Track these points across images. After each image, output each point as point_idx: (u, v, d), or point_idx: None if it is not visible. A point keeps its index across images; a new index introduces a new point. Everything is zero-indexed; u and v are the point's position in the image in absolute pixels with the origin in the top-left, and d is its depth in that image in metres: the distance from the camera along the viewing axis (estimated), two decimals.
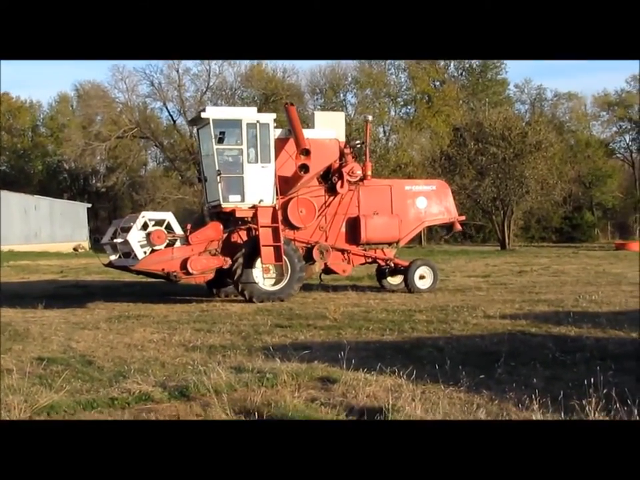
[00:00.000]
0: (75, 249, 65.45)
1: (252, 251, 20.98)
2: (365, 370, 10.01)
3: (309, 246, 22.49)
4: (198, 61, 73.11)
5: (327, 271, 23.32)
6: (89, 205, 76.39)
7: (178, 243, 20.69)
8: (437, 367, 10.06)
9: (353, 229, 23.05)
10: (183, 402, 9.01)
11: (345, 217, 23.03)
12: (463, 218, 27.03)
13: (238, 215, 21.62)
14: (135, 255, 20.10)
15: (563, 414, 7.79)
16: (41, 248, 61.28)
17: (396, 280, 24.36)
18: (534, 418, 7.54)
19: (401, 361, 11.04)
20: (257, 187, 21.46)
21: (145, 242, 20.20)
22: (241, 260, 20.85)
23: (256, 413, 8.14)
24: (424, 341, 13.39)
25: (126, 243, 20.33)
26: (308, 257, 22.31)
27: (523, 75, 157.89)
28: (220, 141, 21.67)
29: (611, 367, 9.98)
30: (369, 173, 23.28)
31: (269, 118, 22.04)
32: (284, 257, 20.92)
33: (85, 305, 20.78)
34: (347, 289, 23.36)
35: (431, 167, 63.04)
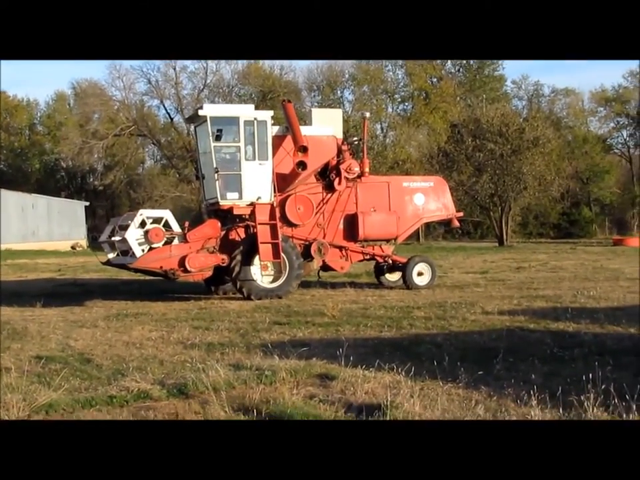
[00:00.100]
0: (72, 247, 65.43)
1: (250, 249, 20.98)
2: (364, 367, 10.03)
3: (307, 243, 22.49)
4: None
5: (325, 268, 23.32)
6: (87, 203, 76.34)
7: (176, 241, 20.67)
8: (436, 364, 10.05)
9: (351, 225, 23.04)
10: (182, 400, 9.01)
11: (342, 214, 23.02)
12: (461, 214, 27.05)
13: (236, 212, 21.62)
14: (133, 253, 20.09)
15: (561, 410, 7.80)
16: (38, 246, 61.29)
17: (394, 277, 24.37)
18: (532, 413, 7.55)
19: (399, 357, 11.05)
20: (255, 185, 21.45)
21: (143, 240, 20.18)
22: (239, 257, 20.86)
23: (254, 410, 8.14)
24: (422, 337, 13.39)
25: (124, 240, 20.33)
26: (306, 254, 22.31)
27: (520, 71, 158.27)
28: (217, 138, 21.67)
29: (609, 363, 9.98)
30: (367, 169, 23.30)
31: (266, 115, 22.04)
32: (282, 254, 20.91)
33: (83, 303, 20.78)
34: (345, 285, 23.36)
35: (428, 164, 63.02)
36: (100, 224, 74.03)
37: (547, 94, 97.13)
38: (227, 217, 21.95)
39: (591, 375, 8.45)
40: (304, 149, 21.83)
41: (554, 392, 8.30)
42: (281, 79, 78.54)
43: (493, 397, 8.62)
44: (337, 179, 22.59)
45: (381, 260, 24.02)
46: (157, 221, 20.72)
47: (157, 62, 75.45)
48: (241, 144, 21.49)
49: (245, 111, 22.13)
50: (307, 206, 22.58)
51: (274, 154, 21.84)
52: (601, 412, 7.60)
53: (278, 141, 22.15)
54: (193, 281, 22.37)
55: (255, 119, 21.60)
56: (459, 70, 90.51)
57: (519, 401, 8.27)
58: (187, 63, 75.08)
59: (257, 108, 23.50)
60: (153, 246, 20.20)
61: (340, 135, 23.44)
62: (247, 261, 20.94)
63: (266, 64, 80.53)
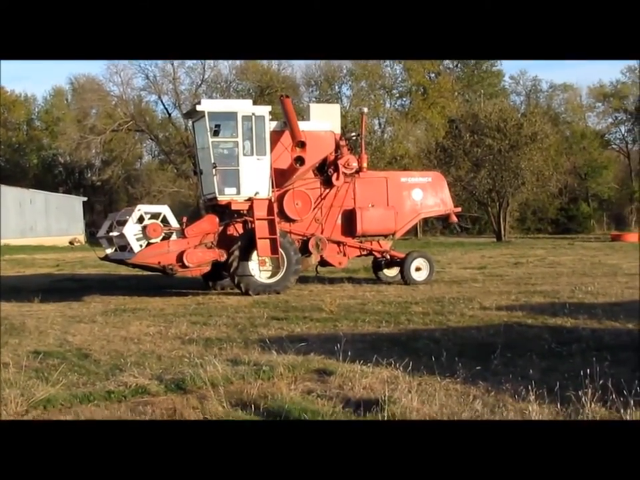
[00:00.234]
0: (70, 243, 65.34)
1: (248, 244, 20.97)
2: (361, 362, 10.03)
3: (305, 238, 22.47)
4: None
5: (323, 263, 23.31)
6: (85, 199, 76.23)
7: (174, 236, 20.68)
8: (433, 359, 10.07)
9: (349, 221, 23.03)
10: (180, 395, 9.01)
11: (340, 209, 23.01)
12: (459, 210, 27.05)
13: (234, 207, 21.61)
14: (131, 248, 20.09)
15: (559, 405, 7.81)
16: (36, 242, 61.23)
17: (392, 272, 24.38)
18: (530, 409, 7.55)
19: (397, 352, 11.05)
20: (253, 180, 21.43)
21: (141, 235, 20.18)
22: (236, 253, 20.85)
23: (252, 406, 8.15)
24: (420, 332, 13.40)
25: (122, 236, 20.33)
26: (304, 250, 22.30)
27: (518, 66, 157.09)
28: (215, 133, 21.68)
29: (607, 358, 9.99)
30: (365, 165, 23.27)
31: (264, 110, 22.03)
32: (280, 249, 20.90)
33: (81, 298, 20.77)
34: (343, 281, 23.38)
35: (426, 159, 63.04)
36: (98, 219, 73.99)
37: (545, 89, 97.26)
38: (224, 212, 21.94)
39: (588, 370, 8.44)
40: (302, 144, 21.81)
41: (552, 387, 8.29)
42: (278, 74, 78.46)
43: (491, 392, 8.61)
44: (335, 175, 22.57)
45: (378, 255, 24.02)
46: (154, 216, 20.73)
47: None
48: (238, 139, 21.50)
49: (243, 106, 22.11)
50: (305, 201, 22.57)
51: (272, 149, 21.82)
52: (599, 407, 7.61)
53: (276, 136, 22.12)
54: (191, 277, 22.36)
55: (253, 114, 21.58)
56: (456, 65, 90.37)
57: (516, 396, 8.27)
58: None
59: (254, 103, 23.52)
60: (151, 241, 20.21)
61: (338, 131, 23.41)
62: (245, 256, 20.94)
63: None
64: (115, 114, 77.19)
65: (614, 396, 7.70)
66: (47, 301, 19.73)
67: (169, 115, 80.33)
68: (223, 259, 20.92)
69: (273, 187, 21.69)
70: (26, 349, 12.58)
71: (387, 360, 9.99)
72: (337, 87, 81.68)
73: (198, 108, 21.76)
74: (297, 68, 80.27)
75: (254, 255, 20.98)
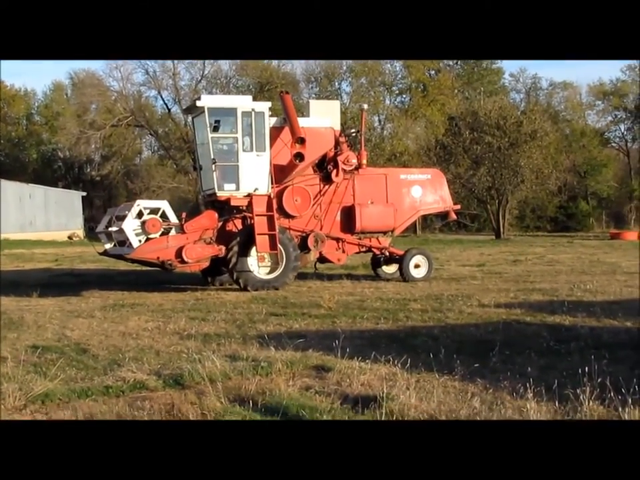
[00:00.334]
0: (69, 238, 65.36)
1: (247, 240, 20.97)
2: (360, 358, 10.03)
3: (304, 235, 22.46)
4: None
5: (322, 259, 23.31)
6: (84, 194, 76.23)
7: (173, 232, 20.67)
8: (432, 356, 10.07)
9: (348, 217, 23.02)
10: (178, 390, 9.01)
11: (340, 206, 23.00)
12: (458, 207, 27.08)
13: (233, 203, 21.60)
14: (130, 244, 20.08)
15: (557, 403, 7.81)
16: (35, 236, 61.19)
17: (391, 269, 24.39)
18: (528, 406, 7.55)
19: (395, 349, 11.05)
20: (252, 176, 21.42)
21: (140, 230, 20.16)
22: (235, 248, 20.85)
23: (250, 402, 8.14)
24: (419, 329, 13.40)
25: (121, 231, 20.32)
26: (303, 246, 22.28)
27: (518, 64, 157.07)
28: (215, 129, 21.68)
29: (605, 356, 9.99)
30: (364, 161, 23.27)
31: (264, 106, 22.01)
32: (279, 245, 20.91)
33: (79, 293, 20.78)
34: (342, 277, 23.38)
35: (426, 156, 62.98)
36: (97, 214, 74.11)
37: (545, 87, 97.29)
38: (224, 208, 21.94)
39: (587, 368, 8.44)
40: (301, 141, 21.79)
41: (550, 385, 8.30)
42: (278, 71, 78.44)
43: (489, 390, 8.62)
44: (335, 171, 22.56)
45: (377, 252, 24.02)
46: (154, 211, 20.72)
47: None
48: (238, 135, 21.49)
49: (243, 102, 22.08)
50: (304, 197, 22.56)
51: (271, 145, 21.81)
52: (597, 405, 7.61)
53: (275, 132, 22.12)
54: (190, 272, 22.37)
55: (253, 110, 21.57)
56: (456, 63, 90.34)
57: (514, 394, 8.28)
58: None
59: (254, 99, 23.45)
60: (150, 236, 20.19)
61: (337, 127, 23.40)
62: (244, 252, 20.93)
63: None
64: (115, 109, 77.25)
65: (612, 394, 7.70)
66: (46, 296, 19.73)
67: (169, 110, 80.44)
68: (222, 254, 20.91)
69: (272, 183, 21.68)
70: (24, 343, 12.58)
71: (385, 357, 9.99)
72: (336, 84, 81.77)
73: (198, 103, 21.76)
74: (296, 64, 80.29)
75: (253, 251, 20.98)
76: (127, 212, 20.54)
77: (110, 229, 21.38)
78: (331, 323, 14.48)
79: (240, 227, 21.83)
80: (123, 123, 75.45)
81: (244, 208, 21.70)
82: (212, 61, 75.01)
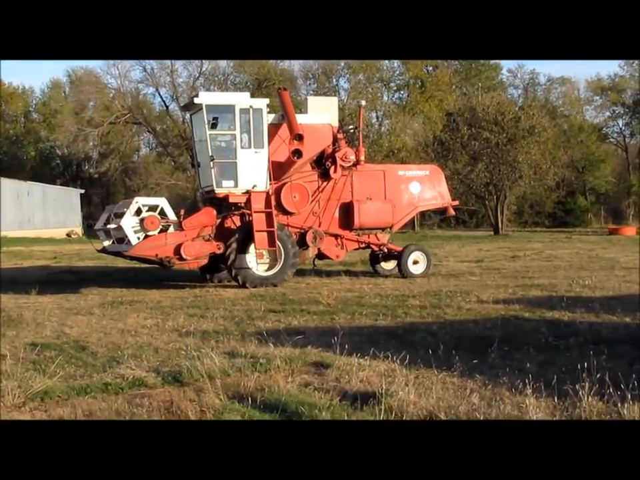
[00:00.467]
0: (68, 235, 64.91)
1: (245, 237, 20.97)
2: (359, 355, 10.01)
3: (303, 231, 22.46)
4: None
5: (321, 256, 23.32)
6: (82, 191, 76.30)
7: (171, 229, 20.67)
8: (430, 352, 10.07)
9: (347, 214, 23.03)
10: (177, 387, 9.00)
11: (338, 202, 23.01)
12: (456, 203, 27.04)
13: (231, 200, 21.60)
14: (129, 241, 20.07)
15: (556, 399, 7.81)
16: (34, 234, 61.21)
17: (389, 265, 24.39)
18: (527, 402, 7.55)
19: (394, 345, 11.04)
20: (250, 173, 21.43)
21: (139, 227, 20.16)
22: (234, 245, 20.85)
23: (249, 398, 8.14)
24: (417, 326, 13.40)
25: (119, 228, 20.31)
26: (301, 242, 22.29)
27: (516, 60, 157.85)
28: (213, 126, 21.67)
29: (604, 352, 9.97)
30: (362, 158, 23.26)
31: (262, 103, 22.00)
32: (277, 242, 20.91)
33: (78, 290, 20.78)
34: (340, 274, 23.36)
35: (424, 152, 63.01)
36: (95, 212, 74.05)
37: (543, 83, 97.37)
38: (222, 205, 21.94)
39: (586, 363, 8.43)
40: (299, 137, 21.79)
41: (549, 381, 8.30)
42: (276, 67, 78.42)
43: (488, 386, 8.61)
44: (333, 167, 22.57)
45: (376, 248, 24.03)
46: (152, 208, 20.71)
47: None
48: (236, 132, 21.49)
49: (241, 99, 22.09)
50: (303, 194, 22.57)
51: (269, 142, 21.81)
52: (596, 401, 7.61)
53: (274, 129, 22.11)
54: (189, 269, 22.36)
55: (251, 106, 21.57)
56: None
57: (513, 390, 8.28)
58: None
59: (252, 96, 23.49)
60: (149, 234, 20.19)
61: (335, 123, 23.39)
62: (243, 249, 20.93)
63: None
64: (113, 106, 77.24)
65: (611, 390, 7.70)
66: (44, 293, 19.73)
67: (167, 107, 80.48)
68: (221, 251, 20.91)
69: (270, 180, 21.68)
70: (23, 340, 12.57)
71: (384, 353, 9.97)
72: (334, 80, 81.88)
73: (196, 100, 21.75)
74: (294, 61, 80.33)
75: (251, 248, 20.98)
76: (125, 209, 20.54)
77: (108, 226, 21.39)
78: (329, 320, 14.47)
79: (238, 223, 21.82)
80: (120, 120, 75.48)
81: (242, 205, 21.70)
82: None
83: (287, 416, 7.61)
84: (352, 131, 27.68)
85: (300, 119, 22.26)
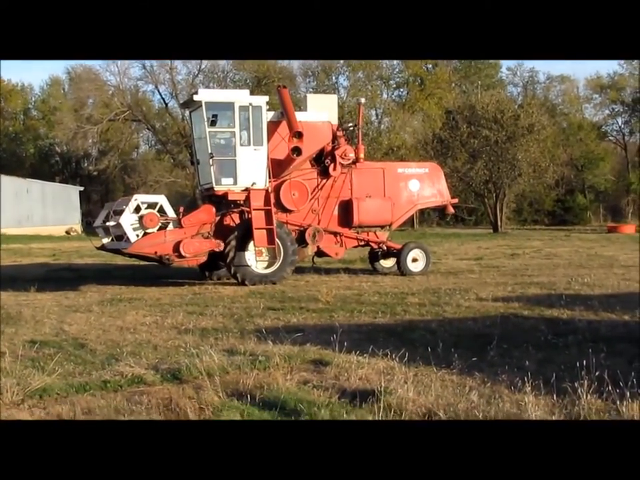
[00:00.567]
0: (67, 232, 65.35)
1: (244, 234, 20.97)
2: (358, 352, 10.02)
3: (302, 229, 22.47)
4: None
5: (320, 253, 23.32)
6: (81, 188, 76.25)
7: (170, 226, 20.66)
8: (430, 350, 10.06)
9: (346, 211, 23.04)
10: (176, 385, 9.00)
11: (337, 200, 23.01)
12: (456, 201, 27.02)
13: (230, 197, 21.60)
14: (128, 238, 20.07)
15: (555, 396, 7.81)
16: (33, 231, 61.15)
17: (388, 263, 24.39)
18: (526, 400, 7.55)
19: (393, 343, 11.05)
20: (250, 170, 21.42)
21: (138, 225, 20.16)
22: (233, 243, 20.84)
23: (248, 396, 8.14)
24: (416, 323, 13.40)
25: (118, 226, 20.30)
26: (300, 240, 22.29)
27: None
28: (212, 123, 21.63)
29: (603, 350, 9.98)
30: (362, 155, 23.26)
31: (261, 100, 21.99)
32: (276, 239, 20.90)
33: (77, 288, 20.77)
34: (340, 271, 23.38)
35: (423, 150, 63.01)
36: (94, 209, 74.18)
37: (542, 81, 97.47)
38: (221, 202, 21.92)
39: (584, 361, 8.43)
40: (299, 135, 21.80)
41: (548, 379, 8.30)
42: (275, 65, 78.21)
43: (487, 383, 8.62)
44: (332, 165, 22.57)
45: (375, 246, 24.03)
46: (151, 206, 20.71)
47: None
48: (235, 129, 21.48)
49: (240, 97, 22.08)
50: (302, 192, 22.57)
51: (269, 139, 21.81)
52: (595, 399, 7.61)
53: (273, 126, 22.11)
54: (188, 267, 22.35)
55: (250, 104, 21.56)
56: None
57: (512, 387, 8.28)
58: None
59: (252, 93, 23.46)
60: (148, 231, 20.19)
61: (335, 121, 23.39)
62: (242, 246, 20.93)
63: None
64: (112, 104, 77.18)
65: (610, 387, 7.70)
66: (43, 291, 19.72)
67: (166, 104, 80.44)
68: (220, 249, 20.90)
69: (269, 178, 21.69)
70: (22, 338, 12.56)
71: (383, 351, 9.98)
72: (334, 78, 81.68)
73: (195, 98, 21.73)
74: None
75: (250, 245, 20.99)
76: (124, 206, 20.53)
77: (107, 223, 21.36)
78: (328, 317, 14.48)
79: (237, 221, 21.82)
80: (120, 117, 75.39)
81: (241, 202, 21.70)
82: None
83: (285, 413, 7.62)
84: (351, 128, 27.66)
85: (299, 116, 22.27)
